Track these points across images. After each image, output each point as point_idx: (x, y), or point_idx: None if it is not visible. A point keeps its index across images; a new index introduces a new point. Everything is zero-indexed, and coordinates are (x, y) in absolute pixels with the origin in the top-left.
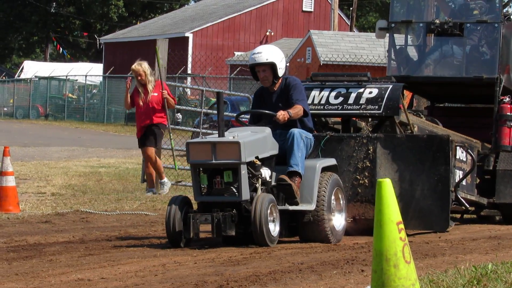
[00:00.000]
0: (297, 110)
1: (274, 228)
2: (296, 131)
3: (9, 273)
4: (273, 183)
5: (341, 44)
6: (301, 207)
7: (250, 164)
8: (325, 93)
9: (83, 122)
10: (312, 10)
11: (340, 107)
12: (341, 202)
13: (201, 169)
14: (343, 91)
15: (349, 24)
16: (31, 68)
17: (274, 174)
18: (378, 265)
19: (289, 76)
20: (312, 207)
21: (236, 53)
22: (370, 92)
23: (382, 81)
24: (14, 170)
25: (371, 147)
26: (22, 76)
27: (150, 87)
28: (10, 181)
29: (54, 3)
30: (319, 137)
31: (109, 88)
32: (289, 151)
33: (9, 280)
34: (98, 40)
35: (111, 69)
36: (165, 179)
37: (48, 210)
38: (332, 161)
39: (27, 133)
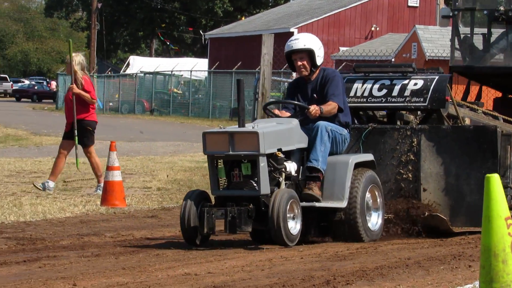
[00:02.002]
0: (330, 108)
1: (295, 226)
2: (322, 123)
3: (116, 268)
4: (300, 178)
5: (446, 40)
6: (330, 204)
7: (272, 157)
8: (368, 85)
9: (188, 117)
10: (418, 5)
11: (383, 100)
12: (378, 200)
13: (218, 161)
14: (387, 82)
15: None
16: (137, 63)
17: (302, 168)
18: (486, 261)
19: (328, 68)
20: (343, 204)
21: (341, 49)
22: (415, 84)
23: (429, 72)
24: (120, 165)
25: (415, 140)
26: (128, 71)
27: (79, 77)
28: (116, 176)
29: None
30: (361, 129)
31: (214, 83)
32: (311, 145)
33: (116, 275)
34: (203, 36)
35: (216, 64)
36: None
37: (154, 205)
38: (367, 157)
39: (133, 128)
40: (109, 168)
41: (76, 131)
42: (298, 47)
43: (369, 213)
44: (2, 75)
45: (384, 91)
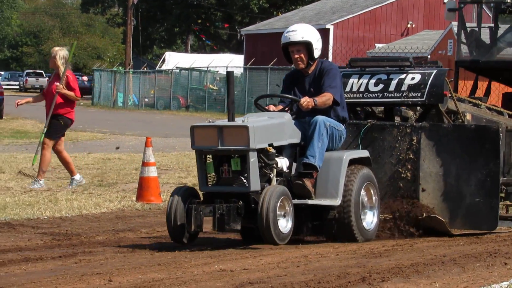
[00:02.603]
0: (324, 99)
1: (286, 224)
2: (320, 118)
3: (151, 263)
4: (292, 174)
5: (483, 36)
6: (323, 201)
7: (263, 152)
8: (364, 80)
9: (224, 113)
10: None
11: (380, 95)
12: (373, 198)
13: (207, 156)
14: (384, 77)
15: (491, 16)
16: (172, 59)
17: (295, 165)
18: None
19: (326, 60)
20: (337, 202)
21: (377, 45)
22: (413, 78)
23: (427, 66)
24: (156, 160)
25: (415, 138)
26: (164, 67)
27: (61, 73)
28: (152, 172)
29: None
30: (359, 125)
31: (250, 79)
32: (308, 141)
33: (151, 271)
34: (239, 32)
35: (252, 60)
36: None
37: None
38: (363, 153)
39: (168, 124)
40: (144, 164)
41: (47, 126)
42: (295, 39)
43: (364, 212)
44: (38, 71)
45: (381, 86)
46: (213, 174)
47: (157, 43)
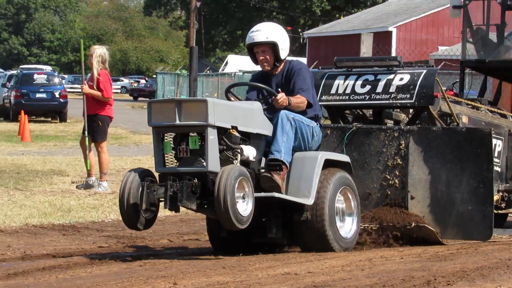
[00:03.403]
0: (299, 101)
1: (246, 208)
2: (282, 112)
3: (216, 267)
4: (260, 168)
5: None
6: (294, 198)
7: (225, 134)
8: (350, 81)
9: None
10: None
11: (367, 97)
12: (352, 204)
13: (165, 135)
14: (371, 78)
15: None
16: (235, 62)
17: (264, 159)
18: None
19: (294, 60)
20: (309, 201)
21: (440, 48)
22: (401, 79)
23: (417, 66)
24: None
25: (403, 142)
26: (226, 70)
27: (95, 73)
28: None
29: None
30: (344, 129)
31: None
32: (273, 136)
33: (216, 274)
34: (301, 35)
35: (315, 63)
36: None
37: None
38: (341, 157)
39: None
40: None
41: (87, 128)
42: (259, 40)
43: (341, 218)
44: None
45: (368, 87)
46: (172, 154)
47: (220, 46)
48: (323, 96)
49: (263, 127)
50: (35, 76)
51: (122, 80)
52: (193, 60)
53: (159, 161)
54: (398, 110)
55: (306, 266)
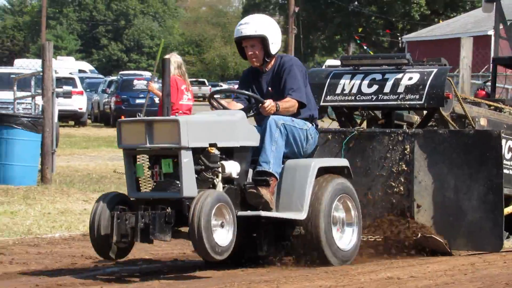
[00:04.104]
0: (288, 106)
1: (225, 237)
2: (271, 119)
3: (318, 271)
4: (246, 182)
5: None
6: (284, 214)
7: (203, 153)
8: (357, 80)
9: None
10: None
11: (374, 97)
12: (352, 213)
13: (137, 156)
14: (379, 77)
15: None
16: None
17: (251, 171)
18: None
19: (286, 55)
20: (301, 216)
21: None
22: (410, 78)
23: (428, 64)
24: None
25: (408, 146)
26: None
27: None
28: None
29: (356, 3)
30: (346, 133)
31: None
32: (260, 145)
33: (319, 278)
34: (400, 39)
35: None
36: None
37: None
38: (338, 162)
39: None
40: None
41: None
42: (247, 34)
43: (340, 229)
44: (200, 79)
45: (375, 87)
46: (146, 177)
47: (318, 51)
48: (328, 96)
49: (248, 138)
50: (135, 82)
51: (222, 86)
52: (166, 72)
53: (131, 185)
54: (411, 111)
55: (408, 271)
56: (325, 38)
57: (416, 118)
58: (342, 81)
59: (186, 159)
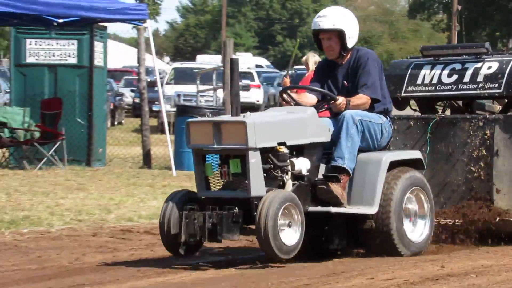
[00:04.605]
0: (359, 102)
1: (293, 235)
2: (347, 114)
3: (481, 251)
4: (317, 178)
5: None
6: (355, 209)
7: (272, 152)
8: (437, 70)
9: None
10: None
11: (454, 87)
12: (425, 205)
13: (205, 155)
14: (458, 67)
15: None
16: None
17: (323, 166)
18: None
19: (362, 48)
20: (373, 210)
21: None
22: (489, 67)
23: (508, 53)
24: None
25: (488, 132)
26: None
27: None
28: None
29: None
30: (428, 120)
31: None
32: (336, 141)
33: (481, 258)
34: None
35: None
36: None
37: None
38: (410, 154)
39: None
40: None
41: None
42: (325, 27)
43: (412, 222)
44: None
45: (455, 76)
46: (217, 177)
47: None
48: (409, 87)
49: (318, 135)
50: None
51: None
52: (235, 72)
53: (201, 184)
54: (493, 101)
55: None
56: (486, 35)
57: (498, 108)
58: (422, 72)
59: (254, 159)
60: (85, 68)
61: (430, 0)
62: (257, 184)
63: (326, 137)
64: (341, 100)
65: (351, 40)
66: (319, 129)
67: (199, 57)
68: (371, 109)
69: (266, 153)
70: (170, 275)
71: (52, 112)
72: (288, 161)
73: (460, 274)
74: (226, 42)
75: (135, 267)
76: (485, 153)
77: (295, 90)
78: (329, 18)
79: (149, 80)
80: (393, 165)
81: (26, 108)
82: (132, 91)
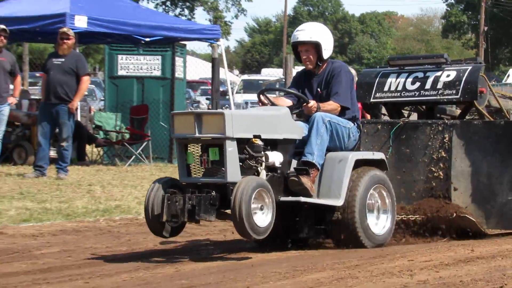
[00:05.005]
0: (329, 108)
1: (264, 219)
2: (318, 115)
3: (504, 236)
4: (289, 171)
5: None
6: (323, 201)
7: (248, 143)
8: (401, 79)
9: None
10: None
11: (416, 93)
12: (387, 201)
13: (187, 145)
14: (421, 75)
15: None
16: None
17: (295, 162)
18: None
19: (336, 61)
20: (339, 202)
21: None
22: (448, 75)
23: (464, 63)
24: None
25: (446, 135)
26: (508, 81)
27: None
28: None
29: None
30: (393, 124)
31: None
32: (307, 138)
33: (505, 243)
34: None
35: None
36: None
37: None
38: (374, 155)
39: None
40: None
41: None
42: (303, 39)
43: (375, 215)
44: None
45: (417, 84)
46: (197, 164)
47: (503, 62)
48: (377, 94)
49: (291, 132)
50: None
51: None
52: (215, 71)
53: (182, 171)
54: (455, 106)
55: None
56: (508, 52)
57: (458, 112)
58: (389, 80)
59: (231, 148)
60: (167, 80)
61: (460, 22)
62: (233, 171)
63: (298, 135)
64: (312, 103)
65: (327, 52)
66: (292, 127)
67: (264, 70)
68: (341, 115)
69: (243, 144)
70: (238, 256)
71: (140, 117)
72: (262, 153)
73: (488, 257)
74: (287, 57)
75: (211, 248)
76: (444, 155)
77: (274, 93)
78: (307, 31)
79: (221, 90)
80: (358, 164)
81: (118, 114)
82: (207, 99)
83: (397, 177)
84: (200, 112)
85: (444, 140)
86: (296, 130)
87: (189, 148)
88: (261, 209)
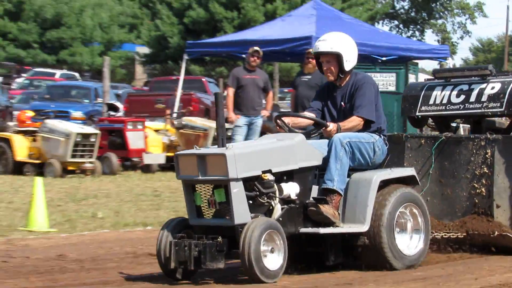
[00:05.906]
0: (351, 126)
1: (275, 261)
2: (335, 138)
3: None
4: (308, 200)
5: None
6: (345, 228)
7: (257, 180)
8: (447, 91)
9: None
10: None
11: (461, 107)
12: (419, 220)
13: (195, 185)
14: (465, 88)
15: None
16: None
17: (315, 188)
18: None
19: (360, 73)
20: (364, 228)
21: None
22: (493, 88)
23: (510, 74)
24: None
25: (489, 151)
26: None
27: None
28: None
29: None
30: (436, 139)
31: None
32: (326, 163)
33: None
34: None
35: None
36: None
37: None
38: (402, 172)
39: None
40: None
41: None
42: (324, 50)
43: (407, 235)
44: None
45: (462, 97)
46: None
47: None
48: (423, 107)
49: (308, 159)
50: None
51: None
52: (219, 107)
53: (191, 212)
54: (504, 118)
55: None
56: None
57: (507, 124)
58: (434, 93)
59: (236, 189)
60: (401, 95)
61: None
62: (240, 212)
63: (317, 161)
64: (331, 126)
65: (349, 64)
66: (308, 154)
67: None
68: (365, 128)
69: (251, 181)
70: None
71: None
72: (275, 187)
73: None
74: None
75: None
76: (487, 171)
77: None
78: (328, 42)
79: None
80: (387, 183)
81: None
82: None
83: (440, 193)
84: (203, 153)
85: (487, 155)
86: (314, 156)
87: (197, 189)
88: (272, 251)
